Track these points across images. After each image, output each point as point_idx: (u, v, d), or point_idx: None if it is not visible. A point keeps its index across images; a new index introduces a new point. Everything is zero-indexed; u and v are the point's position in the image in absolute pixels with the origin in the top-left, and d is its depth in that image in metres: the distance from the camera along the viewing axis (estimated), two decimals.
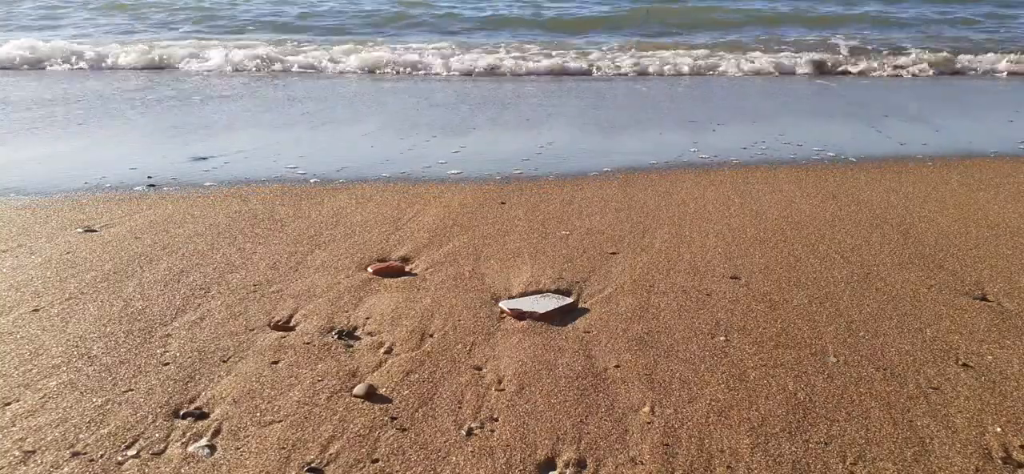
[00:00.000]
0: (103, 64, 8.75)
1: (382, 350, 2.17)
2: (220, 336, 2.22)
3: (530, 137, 5.21)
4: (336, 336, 2.24)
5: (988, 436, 1.78)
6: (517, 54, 9.52)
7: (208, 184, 3.92)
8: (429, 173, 4.21)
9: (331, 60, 9.00)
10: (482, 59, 9.07)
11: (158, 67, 8.77)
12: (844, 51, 10.08)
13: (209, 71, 8.54)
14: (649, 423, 1.81)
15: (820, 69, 9.27)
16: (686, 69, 9.07)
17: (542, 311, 2.39)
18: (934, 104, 6.92)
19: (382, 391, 1.94)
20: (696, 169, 4.37)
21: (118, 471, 1.59)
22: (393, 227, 3.27)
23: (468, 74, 8.66)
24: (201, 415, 1.81)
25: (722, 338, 2.26)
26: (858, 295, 2.60)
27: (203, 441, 1.70)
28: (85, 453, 1.64)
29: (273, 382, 1.97)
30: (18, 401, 1.84)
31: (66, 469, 1.59)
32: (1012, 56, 9.62)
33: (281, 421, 1.79)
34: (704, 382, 2.01)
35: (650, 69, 9.03)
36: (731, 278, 2.74)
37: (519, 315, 2.39)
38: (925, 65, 9.41)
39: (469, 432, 1.76)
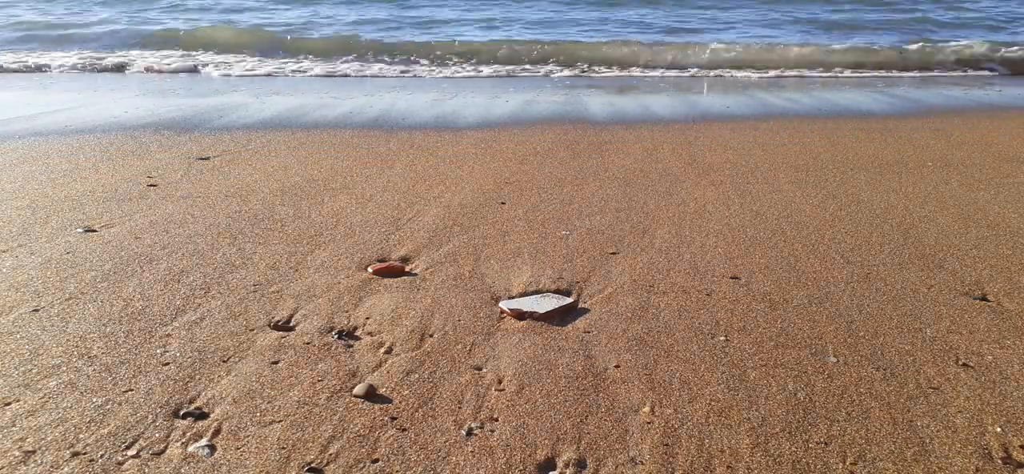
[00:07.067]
0: None
1: (382, 350, 2.16)
2: (220, 336, 2.22)
3: None
4: (336, 336, 2.24)
5: (988, 436, 1.78)
6: None
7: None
8: None
9: None
10: None
11: None
12: None
13: None
14: (649, 423, 1.81)
15: None
16: None
17: (542, 311, 2.39)
18: None
19: (382, 391, 1.94)
20: (696, 170, 4.37)
21: (118, 471, 1.59)
22: (393, 227, 3.27)
23: None
24: (201, 415, 1.81)
25: (722, 338, 2.26)
26: (858, 295, 2.60)
27: (203, 441, 1.70)
28: (85, 453, 1.64)
29: (273, 382, 1.97)
30: (18, 401, 1.84)
31: (66, 469, 1.59)
32: None
33: (281, 421, 1.79)
34: (704, 382, 2.00)
35: None
36: (731, 278, 2.74)
37: (519, 315, 2.39)
38: None
39: (469, 432, 1.76)
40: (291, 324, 2.32)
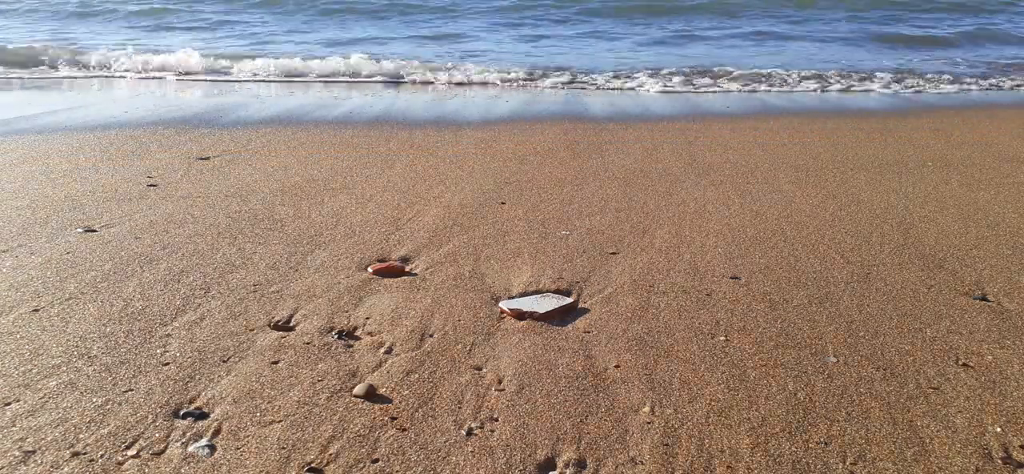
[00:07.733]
0: None
1: (382, 350, 2.16)
2: (220, 336, 2.22)
3: None
4: (336, 336, 2.24)
5: (988, 436, 1.78)
6: None
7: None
8: None
9: None
10: None
11: None
12: None
13: None
14: (649, 423, 1.81)
15: None
16: None
17: (542, 311, 2.39)
18: None
19: (382, 391, 1.94)
20: (696, 170, 4.37)
21: (118, 471, 1.59)
22: (393, 227, 3.27)
23: None
24: (201, 415, 1.81)
25: (722, 338, 2.26)
26: (858, 295, 2.60)
27: (203, 441, 1.70)
28: (85, 453, 1.64)
29: (273, 382, 1.97)
30: (18, 401, 1.84)
31: (66, 469, 1.59)
32: None
33: (281, 421, 1.79)
34: (704, 382, 2.00)
35: None
36: (731, 278, 2.74)
37: (519, 315, 2.39)
38: None
39: (469, 432, 1.76)
40: (291, 324, 2.32)
